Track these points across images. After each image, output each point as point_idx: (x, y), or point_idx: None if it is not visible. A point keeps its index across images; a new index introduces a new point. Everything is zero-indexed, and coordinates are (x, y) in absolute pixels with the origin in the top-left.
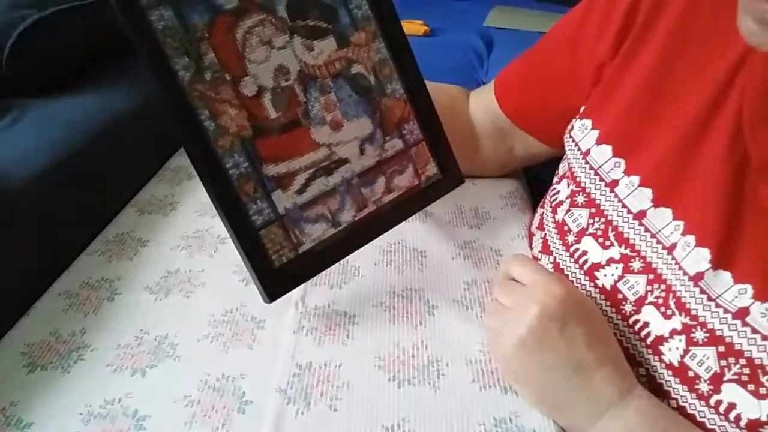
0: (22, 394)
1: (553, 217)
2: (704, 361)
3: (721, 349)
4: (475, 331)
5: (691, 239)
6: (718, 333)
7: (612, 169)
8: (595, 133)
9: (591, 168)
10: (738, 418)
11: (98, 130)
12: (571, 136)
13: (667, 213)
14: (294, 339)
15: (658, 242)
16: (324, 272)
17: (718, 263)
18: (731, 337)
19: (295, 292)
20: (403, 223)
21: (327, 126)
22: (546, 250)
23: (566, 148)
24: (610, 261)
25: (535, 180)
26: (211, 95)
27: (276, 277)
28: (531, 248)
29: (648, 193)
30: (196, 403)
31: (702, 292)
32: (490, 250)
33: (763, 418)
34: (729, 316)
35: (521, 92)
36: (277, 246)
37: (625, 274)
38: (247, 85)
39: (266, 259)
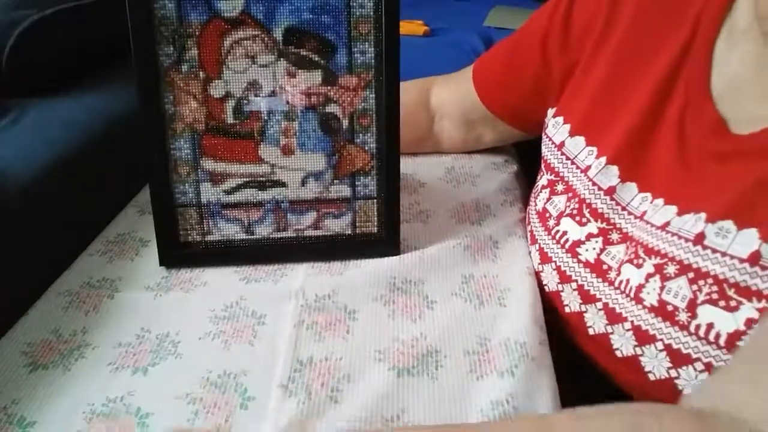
0: (23, 393)
1: (535, 208)
2: (678, 292)
3: (691, 275)
4: (473, 324)
5: (659, 201)
6: (686, 262)
7: (587, 156)
8: (567, 127)
9: (567, 158)
10: (717, 336)
11: (98, 130)
12: (546, 134)
13: (632, 187)
14: (294, 333)
15: (630, 213)
16: (324, 268)
17: (683, 210)
18: (696, 262)
19: (295, 283)
20: (404, 217)
21: (278, 148)
22: (533, 240)
23: (542, 145)
24: (590, 236)
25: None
26: (181, 85)
27: (176, 249)
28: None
29: (615, 170)
30: (198, 400)
31: (673, 235)
32: (489, 241)
33: (741, 329)
34: (690, 244)
35: (500, 86)
36: (187, 226)
37: (606, 246)
38: (216, 87)
39: (174, 232)
